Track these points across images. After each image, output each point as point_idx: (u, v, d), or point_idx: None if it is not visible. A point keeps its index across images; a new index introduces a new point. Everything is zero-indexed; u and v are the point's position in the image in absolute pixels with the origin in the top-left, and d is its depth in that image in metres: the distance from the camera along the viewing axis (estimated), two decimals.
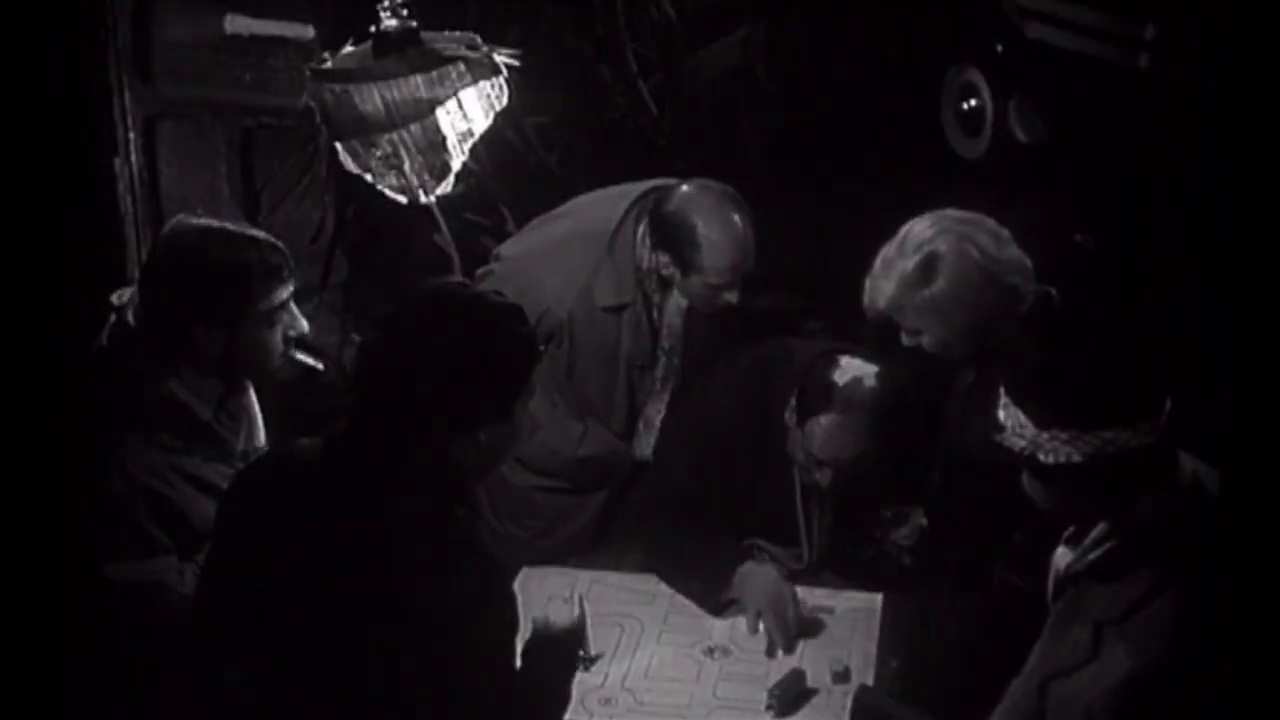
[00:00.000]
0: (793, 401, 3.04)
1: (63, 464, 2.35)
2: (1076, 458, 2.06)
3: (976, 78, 4.38)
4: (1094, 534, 2.18)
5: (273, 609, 2.09)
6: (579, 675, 2.83)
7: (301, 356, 2.68)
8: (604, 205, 3.38)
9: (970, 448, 2.84)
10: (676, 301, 3.31)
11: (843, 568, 3.22)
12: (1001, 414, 2.15)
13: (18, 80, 2.17)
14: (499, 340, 2.11)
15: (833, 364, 2.98)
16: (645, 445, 3.43)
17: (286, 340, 2.61)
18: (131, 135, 3.86)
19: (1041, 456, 2.08)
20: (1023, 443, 2.10)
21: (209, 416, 2.58)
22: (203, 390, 2.57)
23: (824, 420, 2.93)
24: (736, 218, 3.17)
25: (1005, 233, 2.74)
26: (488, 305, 2.15)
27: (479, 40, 3.03)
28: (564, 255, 3.31)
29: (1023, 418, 2.10)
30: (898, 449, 3.02)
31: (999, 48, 4.27)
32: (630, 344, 3.33)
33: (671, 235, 3.19)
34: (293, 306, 2.61)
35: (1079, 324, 2.37)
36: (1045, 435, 2.07)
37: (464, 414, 2.09)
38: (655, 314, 3.32)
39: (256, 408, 2.74)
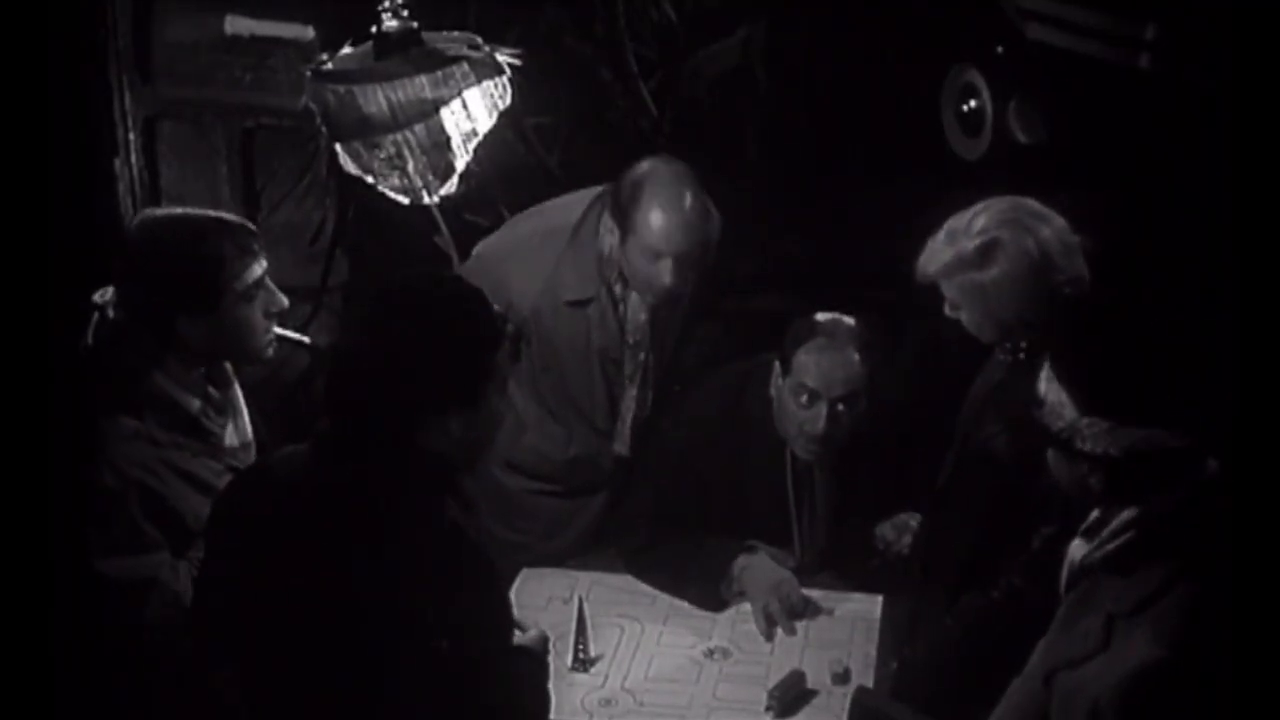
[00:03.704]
0: (776, 367, 3.07)
1: (62, 463, 2.35)
2: (1113, 451, 2.04)
3: (976, 78, 4.37)
4: (1112, 526, 2.16)
5: (270, 619, 2.09)
6: (579, 676, 2.85)
7: (284, 332, 2.69)
8: (572, 202, 3.39)
9: (989, 446, 2.85)
10: (639, 296, 3.29)
11: (843, 571, 3.23)
12: (1042, 388, 2.13)
13: (18, 80, 2.17)
14: (454, 322, 2.10)
15: (810, 314, 3.09)
16: (622, 442, 3.42)
17: (269, 316, 2.62)
18: (132, 135, 3.86)
19: (1078, 442, 2.07)
20: (1061, 424, 2.09)
21: (196, 409, 2.59)
22: (189, 383, 2.59)
23: (811, 348, 3.02)
24: (686, 193, 3.15)
25: (1075, 240, 2.72)
26: (442, 289, 2.16)
27: (479, 40, 3.02)
28: (529, 252, 3.32)
29: (1065, 398, 2.08)
30: (892, 423, 3.07)
31: (999, 48, 4.26)
32: (600, 338, 3.33)
33: (620, 197, 3.18)
34: (269, 283, 2.63)
35: (1141, 321, 2.33)
36: (1085, 421, 2.06)
37: (426, 399, 2.08)
38: (620, 308, 3.31)
39: (243, 403, 2.75)
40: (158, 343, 2.55)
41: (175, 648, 2.40)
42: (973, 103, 4.40)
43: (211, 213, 2.64)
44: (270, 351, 2.67)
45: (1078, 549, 2.26)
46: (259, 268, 2.59)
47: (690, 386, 3.35)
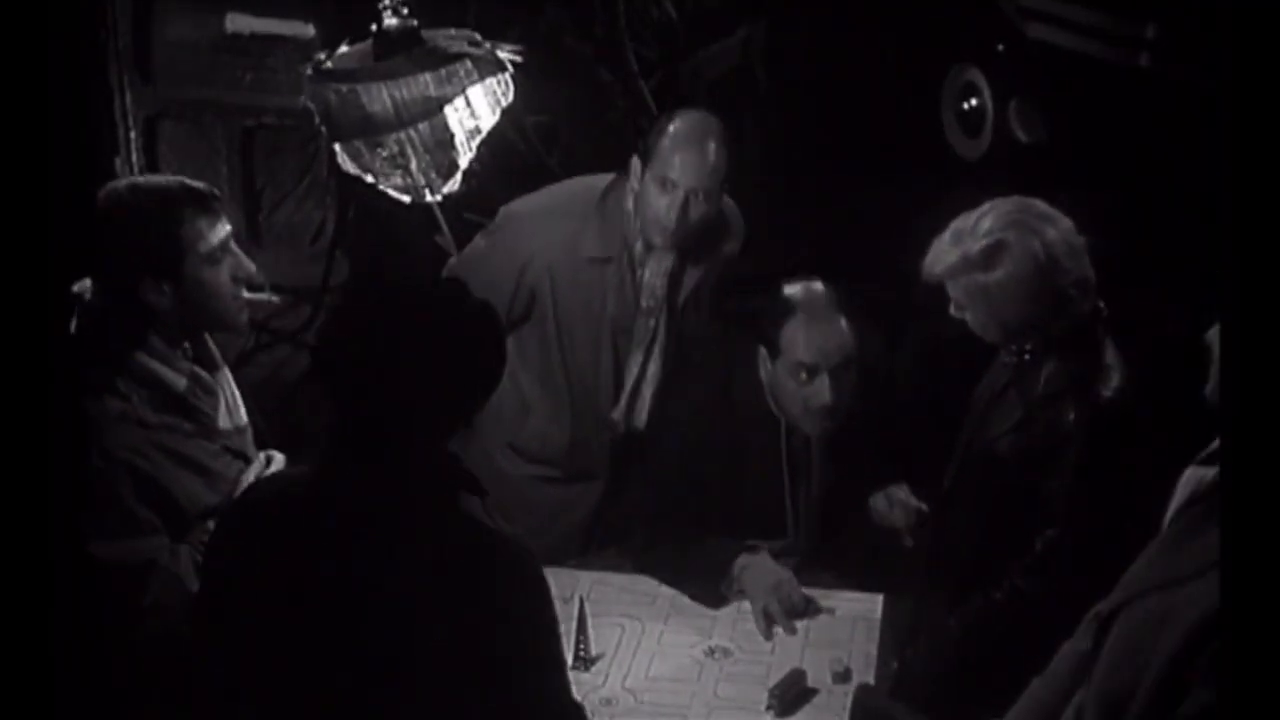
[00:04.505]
0: (762, 351, 3.07)
1: (60, 457, 2.35)
2: None
3: (977, 78, 4.38)
4: None
5: (287, 635, 2.03)
6: (580, 675, 2.85)
7: (251, 295, 2.68)
8: (606, 177, 3.44)
9: (993, 448, 2.85)
10: (659, 262, 3.32)
11: (840, 560, 3.22)
12: None
13: (18, 80, 2.17)
14: (484, 341, 2.09)
15: (778, 289, 3.07)
16: (620, 411, 3.42)
17: (236, 281, 2.62)
18: (132, 135, 3.87)
19: None
20: None
21: (183, 388, 2.59)
22: (173, 361, 2.59)
23: (795, 324, 3.00)
24: (710, 137, 3.20)
25: (1080, 241, 2.71)
26: (470, 306, 2.11)
27: (479, 37, 3.03)
28: (555, 209, 3.38)
29: None
30: (883, 397, 3.08)
31: (999, 48, 4.26)
32: (615, 304, 3.34)
33: (649, 134, 3.27)
34: (235, 248, 2.62)
35: None
36: None
37: (456, 414, 2.08)
38: (639, 272, 3.33)
39: (235, 388, 2.75)
40: (133, 318, 2.55)
41: (176, 631, 2.38)
42: (973, 102, 4.41)
43: (172, 177, 2.65)
44: (244, 317, 2.66)
45: (1198, 473, 2.20)
46: (222, 230, 2.58)
47: (674, 383, 3.35)
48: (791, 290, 3.04)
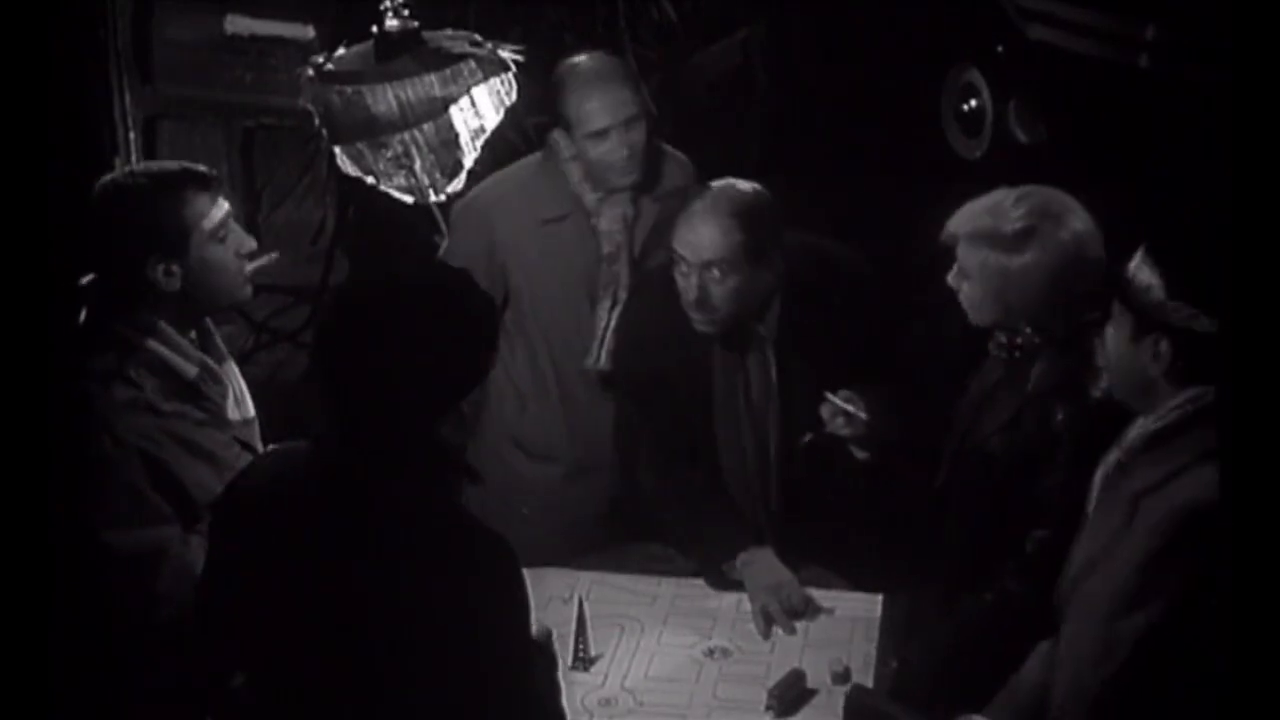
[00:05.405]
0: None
1: (72, 451, 2.36)
2: (1197, 328, 2.17)
3: (976, 78, 4.38)
4: (1161, 409, 2.26)
5: (283, 620, 2.07)
6: (579, 676, 2.85)
7: (252, 265, 2.69)
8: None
9: (985, 447, 2.84)
10: (614, 209, 3.37)
11: (803, 507, 3.23)
12: (1131, 271, 2.26)
13: (18, 80, 2.17)
14: (470, 319, 2.11)
15: (706, 184, 3.07)
16: (593, 357, 3.45)
17: (239, 257, 2.64)
18: (132, 135, 3.88)
19: (1169, 316, 2.20)
20: (1147, 300, 2.21)
21: (194, 375, 2.60)
22: (183, 349, 2.60)
23: (686, 213, 2.99)
24: (607, 80, 3.29)
25: (1102, 256, 2.72)
26: (451, 286, 2.12)
27: (480, 38, 3.03)
28: (504, 188, 3.46)
29: (1158, 281, 2.21)
30: (843, 300, 3.10)
31: (999, 48, 4.26)
32: (579, 257, 3.39)
33: (555, 104, 3.34)
34: (236, 225, 2.64)
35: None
36: (1173, 305, 2.19)
37: (445, 397, 2.10)
38: (594, 221, 3.38)
39: (241, 380, 2.76)
40: (140, 305, 2.56)
41: (187, 621, 2.38)
42: (973, 102, 4.41)
43: (168, 161, 2.68)
44: (249, 291, 2.68)
45: (1113, 453, 2.34)
46: (224, 206, 2.61)
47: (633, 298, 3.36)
48: (716, 183, 3.04)
